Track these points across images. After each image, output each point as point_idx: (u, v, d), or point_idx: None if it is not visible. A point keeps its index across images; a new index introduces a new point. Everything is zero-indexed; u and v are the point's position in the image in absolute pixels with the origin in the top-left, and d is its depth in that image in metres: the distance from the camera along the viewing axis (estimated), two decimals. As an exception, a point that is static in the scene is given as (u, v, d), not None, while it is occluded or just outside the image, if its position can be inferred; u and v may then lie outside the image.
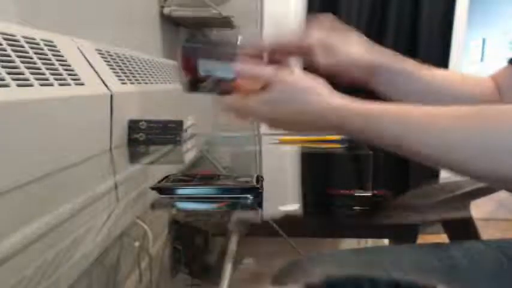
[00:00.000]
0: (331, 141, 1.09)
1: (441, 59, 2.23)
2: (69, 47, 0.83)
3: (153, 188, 0.56)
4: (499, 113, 0.38)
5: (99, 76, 0.87)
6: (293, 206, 0.81)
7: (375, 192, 0.85)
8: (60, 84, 0.70)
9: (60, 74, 0.72)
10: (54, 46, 0.76)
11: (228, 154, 1.14)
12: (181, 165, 0.93)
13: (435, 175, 1.28)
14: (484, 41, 4.10)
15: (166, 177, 0.63)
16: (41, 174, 0.61)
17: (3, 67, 0.58)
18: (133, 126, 0.95)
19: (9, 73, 0.58)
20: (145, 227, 0.57)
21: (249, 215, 0.59)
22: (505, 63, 0.63)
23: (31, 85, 0.62)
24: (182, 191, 0.59)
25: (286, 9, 2.22)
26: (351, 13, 2.21)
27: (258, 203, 0.57)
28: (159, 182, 0.60)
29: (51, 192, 0.61)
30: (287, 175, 0.97)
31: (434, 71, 0.63)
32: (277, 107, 0.50)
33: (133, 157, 0.94)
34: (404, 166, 1.62)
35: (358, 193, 0.87)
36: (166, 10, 1.75)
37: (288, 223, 0.68)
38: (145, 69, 1.21)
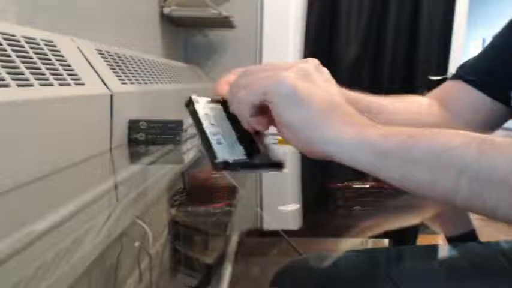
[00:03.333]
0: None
1: (441, 59, 2.24)
2: (69, 47, 0.83)
3: None
4: None
5: (99, 76, 0.87)
6: (293, 206, 0.81)
7: (373, 184, 0.85)
8: (60, 84, 0.70)
9: (60, 74, 0.72)
10: (54, 46, 0.76)
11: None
12: (181, 165, 0.93)
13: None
14: (484, 41, 4.10)
15: None
16: (41, 174, 0.61)
17: (3, 67, 0.58)
18: (133, 126, 0.95)
19: (9, 73, 0.58)
20: (145, 227, 0.57)
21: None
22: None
23: (31, 85, 0.62)
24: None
25: (286, 9, 2.22)
26: (351, 13, 2.21)
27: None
28: None
29: (51, 192, 0.61)
30: (287, 175, 0.97)
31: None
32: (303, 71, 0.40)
33: (134, 157, 0.94)
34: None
35: (357, 185, 0.87)
36: (166, 10, 1.75)
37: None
38: (145, 69, 1.21)
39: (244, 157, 0.42)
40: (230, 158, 0.41)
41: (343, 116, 0.39)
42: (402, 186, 0.37)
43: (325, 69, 0.43)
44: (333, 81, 0.43)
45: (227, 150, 0.42)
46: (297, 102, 0.39)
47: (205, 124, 0.43)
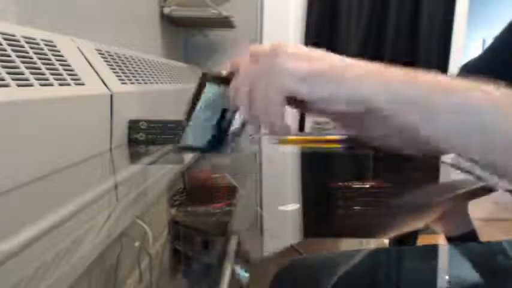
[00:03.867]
0: (331, 141, 1.09)
1: (441, 59, 2.24)
2: (69, 47, 0.83)
3: None
4: None
5: (99, 76, 0.87)
6: (293, 206, 0.81)
7: (373, 184, 0.85)
8: (60, 84, 0.70)
9: (60, 74, 0.72)
10: (54, 46, 0.76)
11: (228, 154, 1.14)
12: (181, 165, 0.93)
13: (435, 175, 1.29)
14: (484, 41, 4.10)
15: None
16: (41, 174, 0.61)
17: (3, 67, 0.58)
18: (133, 126, 0.95)
19: (9, 73, 0.58)
20: (145, 227, 0.57)
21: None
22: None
23: (31, 85, 0.62)
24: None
25: (286, 9, 2.22)
26: (351, 13, 2.21)
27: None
28: None
29: (51, 192, 0.61)
30: (287, 175, 0.97)
31: None
32: (300, 49, 0.38)
33: (134, 157, 0.94)
34: (404, 165, 1.62)
35: (356, 185, 0.87)
36: (166, 10, 1.75)
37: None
38: (145, 69, 1.21)
39: (202, 144, 0.47)
40: (189, 144, 0.46)
41: (374, 69, 0.38)
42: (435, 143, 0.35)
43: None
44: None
45: (194, 135, 0.46)
46: (320, 79, 0.37)
47: (197, 108, 0.45)
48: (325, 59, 0.38)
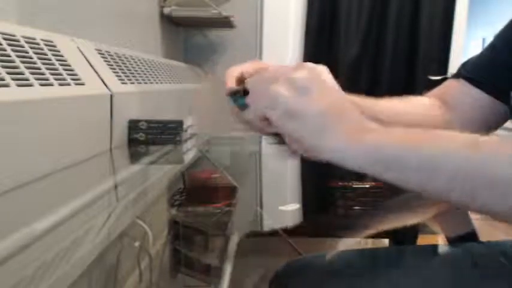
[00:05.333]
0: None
1: (441, 59, 2.23)
2: (69, 47, 0.83)
3: None
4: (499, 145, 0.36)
5: (99, 76, 0.87)
6: (293, 206, 0.81)
7: (373, 184, 0.85)
8: (60, 84, 0.70)
9: (60, 74, 0.72)
10: (54, 46, 0.76)
11: (228, 154, 1.14)
12: (181, 165, 0.93)
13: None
14: (484, 40, 4.10)
15: None
16: (40, 174, 0.61)
17: (3, 67, 0.58)
18: (133, 126, 0.95)
19: (9, 73, 0.58)
20: (145, 227, 0.57)
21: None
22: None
23: (31, 85, 0.62)
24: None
25: (286, 9, 2.22)
26: (351, 13, 2.21)
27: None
28: None
29: (51, 192, 0.61)
30: (287, 175, 0.97)
31: (376, 100, 0.62)
32: (307, 83, 0.41)
33: (134, 157, 0.94)
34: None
35: (356, 185, 0.87)
36: (166, 10, 1.75)
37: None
38: (145, 69, 1.21)
39: None
40: None
41: (342, 123, 0.41)
42: (403, 187, 0.39)
43: (322, 72, 0.44)
44: (330, 83, 0.44)
45: None
46: (292, 116, 0.41)
47: None
48: (327, 97, 0.42)
